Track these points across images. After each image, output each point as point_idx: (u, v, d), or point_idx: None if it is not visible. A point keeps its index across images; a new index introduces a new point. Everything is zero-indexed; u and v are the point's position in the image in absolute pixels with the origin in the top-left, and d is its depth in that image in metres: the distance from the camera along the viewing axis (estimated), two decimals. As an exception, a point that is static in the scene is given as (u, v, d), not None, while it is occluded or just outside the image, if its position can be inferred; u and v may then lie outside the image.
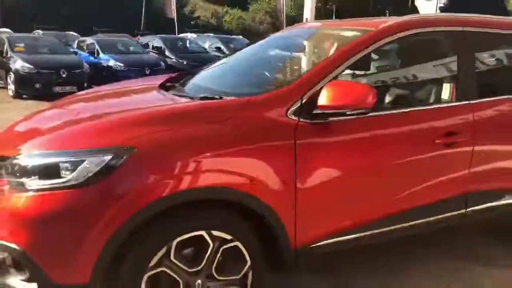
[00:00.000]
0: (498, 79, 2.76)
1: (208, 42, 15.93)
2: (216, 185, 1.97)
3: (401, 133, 2.36)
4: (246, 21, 42.57)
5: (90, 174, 1.81)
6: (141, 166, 1.85)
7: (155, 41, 14.42)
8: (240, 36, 19.69)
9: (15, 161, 1.92)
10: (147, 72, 11.27)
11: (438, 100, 2.52)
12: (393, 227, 2.41)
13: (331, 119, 2.15)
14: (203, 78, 2.97)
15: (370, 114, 2.17)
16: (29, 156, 1.91)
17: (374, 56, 2.41)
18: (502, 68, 2.88)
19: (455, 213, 2.57)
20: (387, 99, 2.51)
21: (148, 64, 11.74)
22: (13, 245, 1.83)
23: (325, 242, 2.26)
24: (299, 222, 2.16)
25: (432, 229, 2.58)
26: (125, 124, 2.02)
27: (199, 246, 2.00)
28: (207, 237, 2.00)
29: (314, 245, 2.24)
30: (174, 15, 20.54)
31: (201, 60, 13.32)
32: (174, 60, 13.56)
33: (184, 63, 13.14)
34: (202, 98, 2.33)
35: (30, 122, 2.52)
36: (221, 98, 2.28)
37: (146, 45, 14.49)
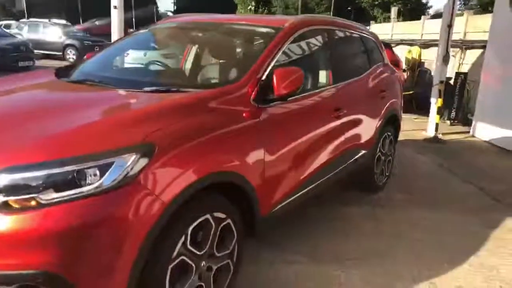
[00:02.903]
0: (351, 65, 3.70)
1: None
2: (222, 169, 2.15)
3: (316, 108, 2.99)
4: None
5: (121, 176, 1.72)
6: (165, 161, 1.87)
7: None
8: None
9: (14, 176, 1.63)
10: None
11: (327, 83, 3.24)
12: (320, 181, 3.04)
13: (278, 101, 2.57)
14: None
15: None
16: (38, 166, 1.64)
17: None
18: (352, 57, 3.85)
19: (344, 165, 3.40)
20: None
21: None
22: (36, 270, 1.59)
23: (281, 205, 2.70)
24: (267, 190, 2.52)
25: (337, 179, 3.34)
26: (133, 121, 1.94)
27: (205, 229, 2.14)
28: (211, 219, 2.15)
29: (275, 209, 2.65)
30: None
31: None
32: None
33: None
34: (153, 91, 2.37)
35: None
36: (178, 90, 2.38)
37: None
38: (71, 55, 17.54)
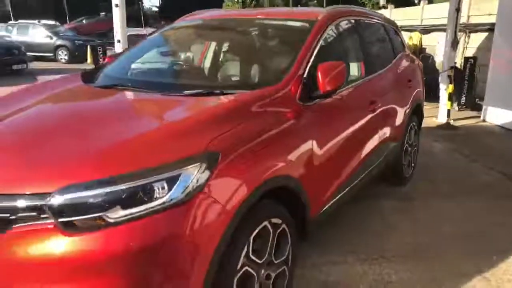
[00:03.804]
0: (380, 55, 3.60)
1: None
2: (278, 172, 2.04)
3: (356, 101, 2.91)
4: None
5: (189, 188, 1.61)
6: (228, 169, 1.76)
7: None
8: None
9: (77, 194, 1.51)
10: None
11: (360, 75, 3.14)
12: (362, 176, 2.96)
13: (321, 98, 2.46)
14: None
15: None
16: (103, 183, 1.52)
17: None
18: (380, 47, 3.75)
19: (380, 159, 3.31)
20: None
21: None
22: None
23: (329, 204, 2.61)
24: (316, 190, 2.43)
25: (376, 174, 3.26)
26: (191, 129, 1.82)
27: (263, 237, 2.03)
28: (269, 226, 2.05)
29: (323, 209, 2.56)
30: None
31: None
32: None
33: None
34: (195, 94, 2.26)
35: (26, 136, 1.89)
36: (223, 92, 2.26)
37: None
38: (63, 55, 17.21)
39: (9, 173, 1.63)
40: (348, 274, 2.72)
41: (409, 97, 3.92)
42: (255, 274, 1.98)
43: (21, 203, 1.53)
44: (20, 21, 19.06)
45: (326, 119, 2.53)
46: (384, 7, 32.91)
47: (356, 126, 2.86)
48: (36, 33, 17.62)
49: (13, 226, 1.54)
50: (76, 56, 16.94)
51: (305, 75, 2.41)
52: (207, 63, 2.98)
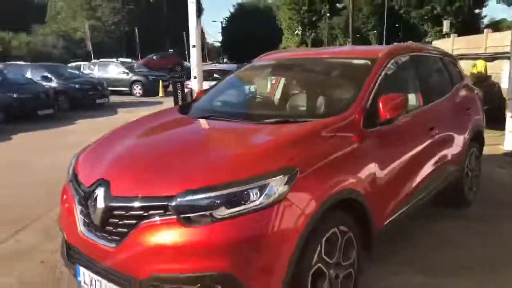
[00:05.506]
0: (437, 86, 3.93)
1: (30, 71, 14.29)
2: (345, 186, 2.44)
3: (415, 127, 3.25)
4: (37, 46, 38.72)
5: (276, 195, 2.06)
6: (304, 181, 2.19)
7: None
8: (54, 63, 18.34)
9: (193, 197, 2.02)
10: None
11: (419, 104, 3.48)
12: (421, 196, 3.26)
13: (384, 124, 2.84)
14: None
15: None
16: (214, 188, 2.03)
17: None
18: (437, 78, 4.08)
19: (439, 181, 3.60)
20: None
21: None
22: (217, 272, 1.96)
23: (389, 219, 2.93)
24: (378, 205, 2.76)
25: (435, 194, 3.55)
26: (276, 149, 2.31)
27: (333, 241, 2.41)
28: (337, 232, 2.43)
29: (385, 223, 2.89)
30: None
31: (33, 91, 12.14)
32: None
33: (14, 96, 11.66)
34: (274, 122, 2.74)
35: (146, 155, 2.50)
36: (296, 121, 2.72)
37: None
38: (137, 90, 18.79)
39: (144, 182, 2.19)
40: (409, 283, 2.98)
41: (468, 124, 4.15)
42: (326, 272, 2.36)
43: (151, 203, 2.07)
44: (101, 59, 21.14)
45: (386, 142, 2.89)
46: (448, 34, 32.30)
47: (416, 149, 3.18)
48: (114, 70, 19.44)
49: (144, 221, 2.06)
50: (150, 90, 18.45)
51: (367, 106, 2.81)
52: (282, 96, 3.48)
